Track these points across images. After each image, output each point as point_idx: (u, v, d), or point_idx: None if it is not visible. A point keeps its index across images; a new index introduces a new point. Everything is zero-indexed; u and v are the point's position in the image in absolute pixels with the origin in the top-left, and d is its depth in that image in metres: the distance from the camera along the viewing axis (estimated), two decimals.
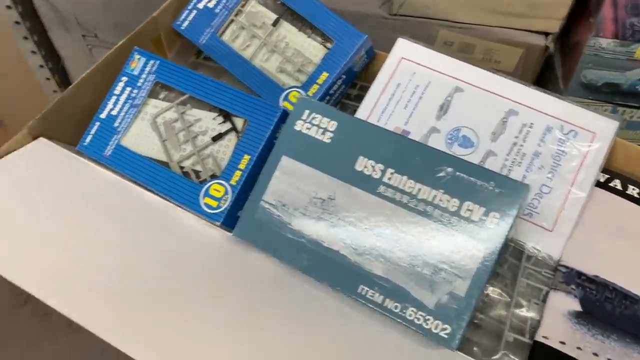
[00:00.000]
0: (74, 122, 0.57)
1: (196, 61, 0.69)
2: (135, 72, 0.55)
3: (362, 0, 0.72)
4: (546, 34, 0.69)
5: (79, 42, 0.81)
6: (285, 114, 0.47)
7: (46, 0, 0.75)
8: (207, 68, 0.68)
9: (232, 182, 0.47)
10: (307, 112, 0.46)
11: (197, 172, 0.50)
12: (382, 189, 0.42)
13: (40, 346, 0.55)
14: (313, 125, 0.45)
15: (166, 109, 0.54)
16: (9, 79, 0.93)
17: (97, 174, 0.52)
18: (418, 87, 0.56)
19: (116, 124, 0.54)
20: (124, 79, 0.55)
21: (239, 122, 0.51)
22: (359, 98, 0.62)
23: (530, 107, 0.53)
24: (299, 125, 0.46)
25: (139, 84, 0.54)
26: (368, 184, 0.43)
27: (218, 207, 0.46)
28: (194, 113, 0.53)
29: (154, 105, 0.54)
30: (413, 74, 0.56)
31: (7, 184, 0.49)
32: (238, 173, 0.47)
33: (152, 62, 0.54)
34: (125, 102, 0.55)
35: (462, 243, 0.41)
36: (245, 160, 0.47)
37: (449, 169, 0.43)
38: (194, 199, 0.48)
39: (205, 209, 0.47)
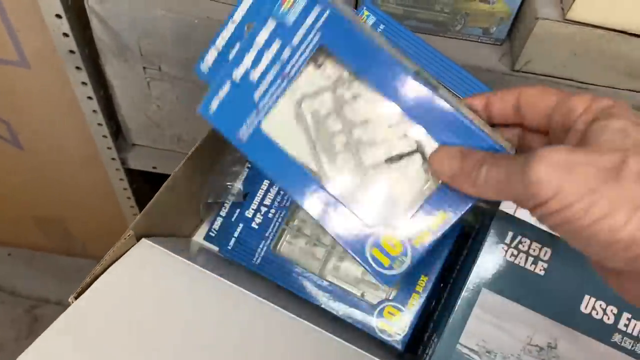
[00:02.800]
0: (175, 213, 0.50)
1: None
2: (290, 19, 0.35)
3: (480, 53, 0.64)
4: None
5: (137, 73, 0.72)
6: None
7: (109, 28, 0.65)
8: None
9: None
10: (511, 233, 0.38)
11: None
12: (617, 337, 0.35)
13: None
14: (521, 251, 0.38)
15: (319, 91, 0.35)
16: (52, 109, 0.83)
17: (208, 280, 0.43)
18: None
19: (256, 96, 0.36)
20: (271, 24, 0.35)
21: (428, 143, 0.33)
22: None
23: None
24: (502, 251, 0.38)
25: (294, 42, 0.34)
26: (599, 330, 0.35)
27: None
28: (360, 107, 0.34)
29: (306, 80, 0.35)
30: None
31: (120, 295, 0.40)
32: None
33: (316, 9, 0.34)
34: (270, 65, 0.35)
35: None
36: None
37: None
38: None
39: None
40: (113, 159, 0.85)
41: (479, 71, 0.63)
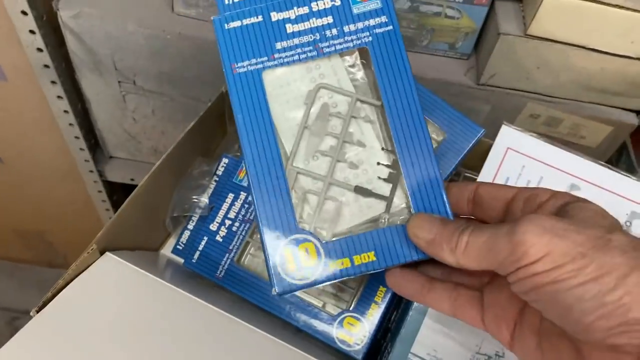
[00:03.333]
0: (140, 226, 0.51)
1: None
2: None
3: (446, 67, 0.66)
4: (638, 113, 0.65)
5: (113, 87, 0.73)
6: None
7: (83, 43, 0.66)
8: None
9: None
10: None
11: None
12: None
13: None
14: None
15: (341, 91, 0.37)
16: (30, 122, 0.84)
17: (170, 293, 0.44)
18: (530, 182, 0.50)
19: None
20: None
21: None
22: None
23: None
24: None
25: (346, 29, 0.36)
26: None
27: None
28: (366, 130, 0.36)
29: (334, 68, 0.37)
30: (522, 168, 0.51)
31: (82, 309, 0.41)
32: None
33: (384, 18, 0.36)
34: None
35: None
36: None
37: None
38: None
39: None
40: (91, 171, 0.86)
41: (446, 85, 0.65)
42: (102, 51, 0.67)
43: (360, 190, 0.34)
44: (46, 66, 0.68)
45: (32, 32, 0.63)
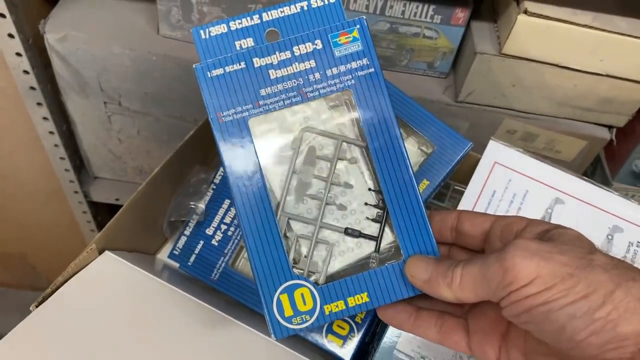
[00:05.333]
0: (138, 230, 0.51)
1: None
2: (338, 52, 0.42)
3: (425, 86, 0.68)
4: (610, 127, 0.68)
5: (98, 108, 0.73)
6: None
7: (69, 65, 0.67)
8: None
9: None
10: None
11: None
12: None
13: None
14: None
15: (325, 133, 0.38)
16: (14, 144, 0.84)
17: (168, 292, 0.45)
18: (516, 196, 0.52)
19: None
20: (319, 44, 0.37)
21: None
22: (452, 200, 0.59)
23: (637, 225, 0.51)
24: None
25: (328, 73, 0.36)
26: None
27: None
28: (353, 172, 0.37)
29: (317, 110, 0.38)
30: (509, 181, 0.53)
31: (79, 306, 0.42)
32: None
33: (365, 60, 0.36)
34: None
35: None
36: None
37: None
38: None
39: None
40: (76, 192, 0.86)
41: (426, 103, 0.67)
42: (87, 73, 0.68)
43: (350, 232, 0.36)
44: (32, 88, 0.69)
45: (18, 54, 0.64)
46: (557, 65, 0.61)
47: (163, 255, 0.57)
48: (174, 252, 0.54)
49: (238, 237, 0.50)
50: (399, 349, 0.40)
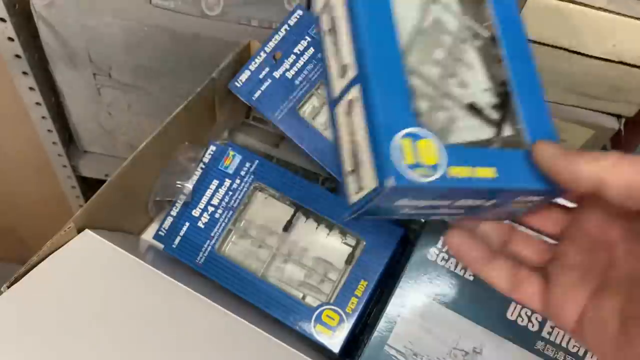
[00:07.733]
0: (122, 208, 0.49)
1: (246, 121, 0.62)
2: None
3: None
4: (619, 117, 0.66)
5: (87, 80, 0.70)
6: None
7: (56, 34, 0.64)
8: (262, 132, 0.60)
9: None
10: (442, 238, 0.38)
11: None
12: (540, 345, 0.36)
13: None
14: (451, 256, 0.38)
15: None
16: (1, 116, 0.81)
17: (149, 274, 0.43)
18: None
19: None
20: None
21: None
22: None
23: None
24: (433, 255, 0.38)
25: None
26: (523, 337, 0.36)
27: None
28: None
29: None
30: None
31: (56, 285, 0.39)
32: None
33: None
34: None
35: None
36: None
37: None
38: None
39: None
40: (64, 166, 0.84)
41: None
42: (76, 42, 0.65)
43: (473, 108, 0.31)
44: (17, 56, 0.66)
45: (2, 20, 0.61)
46: (566, 50, 0.59)
47: (148, 235, 0.54)
48: (160, 232, 0.52)
49: (226, 220, 0.48)
50: (389, 344, 0.38)
